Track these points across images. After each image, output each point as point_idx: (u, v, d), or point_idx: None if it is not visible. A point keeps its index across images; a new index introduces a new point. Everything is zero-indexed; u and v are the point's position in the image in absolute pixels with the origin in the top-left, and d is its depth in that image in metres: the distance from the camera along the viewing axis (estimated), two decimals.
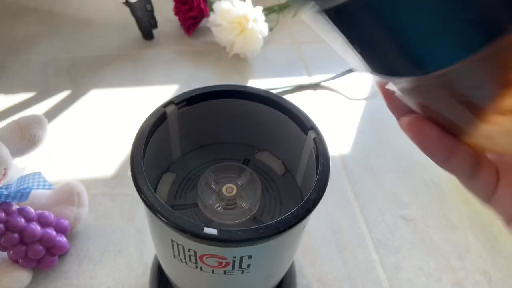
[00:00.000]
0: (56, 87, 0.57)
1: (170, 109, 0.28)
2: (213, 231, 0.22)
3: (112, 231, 0.43)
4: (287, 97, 0.59)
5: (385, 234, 0.45)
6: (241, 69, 0.62)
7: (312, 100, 0.59)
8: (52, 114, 0.54)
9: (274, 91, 0.60)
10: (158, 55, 0.63)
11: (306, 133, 0.27)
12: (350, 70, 0.61)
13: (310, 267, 0.42)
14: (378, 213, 0.47)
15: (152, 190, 0.23)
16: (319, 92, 0.60)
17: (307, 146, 0.28)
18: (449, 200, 0.48)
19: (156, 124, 0.27)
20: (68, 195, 0.40)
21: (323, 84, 0.61)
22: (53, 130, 0.52)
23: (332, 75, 0.61)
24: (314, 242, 0.44)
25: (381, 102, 0.64)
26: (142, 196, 0.23)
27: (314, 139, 0.27)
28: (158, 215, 0.22)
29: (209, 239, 0.22)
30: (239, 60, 0.63)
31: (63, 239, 0.38)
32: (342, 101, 0.59)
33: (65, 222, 0.39)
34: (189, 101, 0.28)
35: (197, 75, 0.61)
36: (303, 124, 0.27)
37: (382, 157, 0.52)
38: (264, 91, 0.28)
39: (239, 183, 0.29)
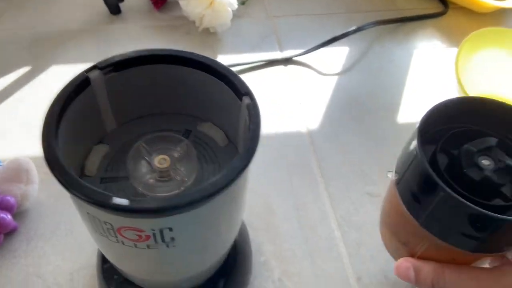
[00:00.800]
0: (17, 63, 0.55)
1: (94, 74, 0.26)
2: (123, 201, 0.20)
3: (65, 209, 0.41)
4: (257, 72, 0.58)
5: (350, 210, 0.44)
6: (210, 44, 0.60)
7: (283, 76, 0.57)
8: (10, 90, 0.52)
9: (243, 67, 0.58)
10: (125, 30, 0.61)
11: (241, 100, 0.26)
12: (323, 44, 0.59)
13: (269, 244, 0.41)
14: (343, 189, 0.45)
15: (59, 159, 0.21)
16: (290, 67, 0.58)
17: (243, 114, 0.26)
18: None
19: (76, 91, 0.25)
20: (15, 172, 0.39)
21: (295, 59, 0.59)
22: (10, 106, 0.50)
23: (305, 49, 0.59)
24: (275, 218, 0.42)
25: (354, 77, 0.62)
26: (49, 166, 0.21)
27: (248, 106, 0.25)
28: (66, 185, 0.21)
29: (118, 209, 0.20)
30: (208, 35, 0.61)
31: (8, 217, 0.36)
32: (314, 76, 0.57)
33: (11, 200, 0.37)
34: (116, 66, 0.26)
35: None
36: (238, 90, 0.26)
37: (352, 133, 0.51)
38: (196, 55, 0.27)
39: (175, 154, 0.28)
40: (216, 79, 0.27)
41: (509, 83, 0.53)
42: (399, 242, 0.33)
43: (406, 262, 0.30)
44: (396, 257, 0.33)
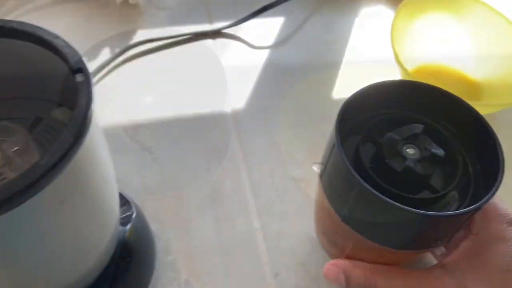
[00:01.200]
0: None
1: None
2: None
3: None
4: (182, 47, 0.52)
5: (272, 198, 0.39)
6: (131, 17, 0.54)
7: (211, 50, 0.51)
8: None
9: (165, 41, 0.52)
10: (30, 6, 0.54)
11: (74, 78, 0.21)
12: (254, 14, 0.53)
13: (177, 241, 0.36)
14: (267, 175, 0.41)
15: None
16: (219, 41, 0.52)
17: None
18: None
19: None
20: None
21: (224, 31, 0.53)
22: None
23: (235, 20, 0.53)
24: (186, 212, 0.38)
25: (288, 50, 0.56)
26: None
27: (79, 84, 0.20)
28: None
29: None
30: (128, 7, 0.55)
31: None
32: (244, 50, 0.52)
33: None
34: None
35: (78, 28, 0.52)
36: (71, 65, 0.21)
37: (282, 112, 0.46)
38: (19, 23, 0.21)
39: (13, 148, 0.23)
40: (51, 53, 0.21)
41: (452, 51, 0.49)
42: (329, 242, 0.31)
43: (335, 267, 0.28)
44: (330, 257, 0.32)
